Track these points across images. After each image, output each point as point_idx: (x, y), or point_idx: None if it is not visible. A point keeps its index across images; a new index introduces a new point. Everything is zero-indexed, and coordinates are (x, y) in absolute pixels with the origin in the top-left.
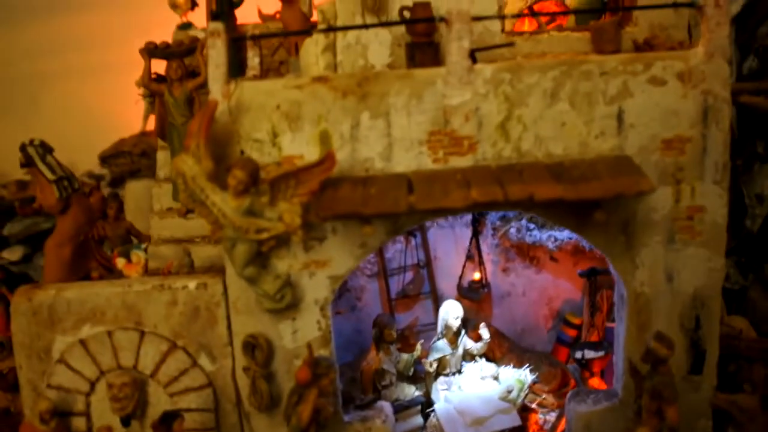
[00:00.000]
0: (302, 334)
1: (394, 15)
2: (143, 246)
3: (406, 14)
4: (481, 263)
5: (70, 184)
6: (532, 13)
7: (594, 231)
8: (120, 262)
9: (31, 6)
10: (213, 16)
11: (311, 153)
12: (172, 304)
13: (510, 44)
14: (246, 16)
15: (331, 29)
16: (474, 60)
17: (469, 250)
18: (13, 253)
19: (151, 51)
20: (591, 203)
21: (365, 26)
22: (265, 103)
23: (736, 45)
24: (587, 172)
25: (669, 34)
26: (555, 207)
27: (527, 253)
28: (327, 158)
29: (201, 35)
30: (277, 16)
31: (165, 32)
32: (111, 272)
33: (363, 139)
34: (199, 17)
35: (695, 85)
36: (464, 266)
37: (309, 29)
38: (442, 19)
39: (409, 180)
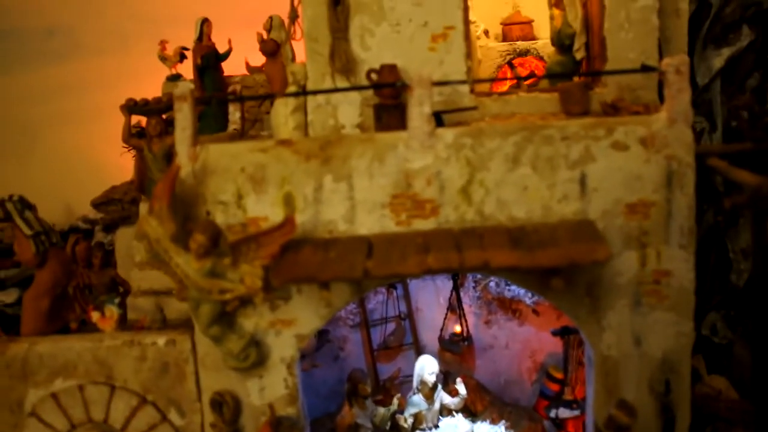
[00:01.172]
0: (269, 391)
1: (362, 76)
2: (116, 300)
3: (374, 77)
4: (462, 316)
5: (48, 239)
6: (497, 78)
7: (557, 294)
8: (95, 316)
9: (27, 53)
10: (199, 69)
11: (276, 215)
12: (142, 359)
13: (472, 108)
14: (233, 67)
15: (295, 94)
16: (440, 121)
17: (450, 302)
18: (9, 296)
19: (131, 108)
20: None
21: (325, 91)
22: (230, 165)
23: (725, 97)
24: (547, 238)
25: (638, 95)
26: (515, 271)
27: (509, 305)
28: (287, 223)
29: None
30: (264, 68)
31: (158, 79)
32: (87, 324)
33: (326, 202)
34: (188, 69)
35: (658, 150)
36: (446, 318)
37: (269, 95)
38: (404, 85)
39: (371, 243)
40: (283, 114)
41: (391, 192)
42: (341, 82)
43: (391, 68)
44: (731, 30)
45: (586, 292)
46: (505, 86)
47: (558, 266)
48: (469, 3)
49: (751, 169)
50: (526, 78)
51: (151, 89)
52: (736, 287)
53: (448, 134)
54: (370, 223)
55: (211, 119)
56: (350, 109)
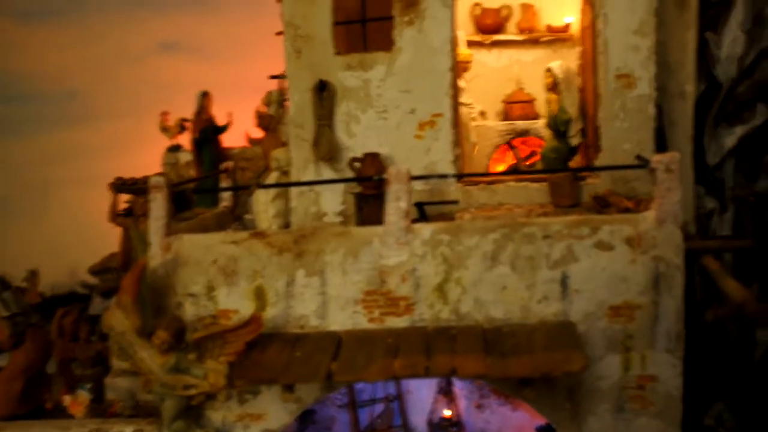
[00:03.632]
0: None
1: (347, 164)
2: (87, 386)
3: (357, 165)
4: (452, 400)
5: (26, 320)
6: (481, 174)
7: (535, 397)
8: (66, 400)
9: (46, 117)
10: (197, 143)
11: (247, 308)
12: None
13: (454, 202)
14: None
15: (266, 186)
16: (423, 212)
17: (440, 385)
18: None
19: (118, 187)
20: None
21: (301, 183)
22: (202, 257)
23: (739, 173)
24: (523, 343)
25: (632, 186)
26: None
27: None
28: (252, 321)
29: (189, 158)
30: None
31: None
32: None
33: (298, 296)
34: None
35: (645, 251)
36: (436, 401)
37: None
38: (381, 180)
39: (340, 341)
40: (263, 201)
41: (364, 288)
42: (325, 170)
43: (374, 157)
44: (745, 108)
45: (567, 395)
46: (503, 166)
47: (529, 377)
48: (469, 81)
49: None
50: (523, 161)
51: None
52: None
53: (425, 230)
54: (342, 319)
55: (207, 194)
56: (333, 197)
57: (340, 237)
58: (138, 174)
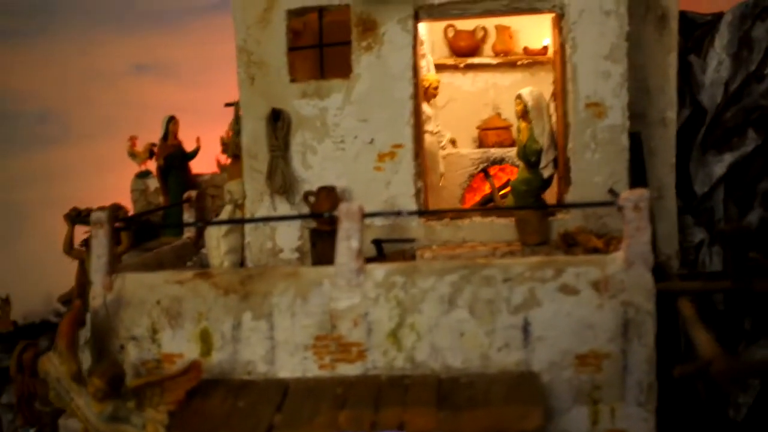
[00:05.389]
0: None
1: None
2: (32, 430)
3: (311, 199)
4: None
5: None
6: (439, 210)
7: None
8: None
9: (18, 138)
10: (162, 170)
11: (192, 352)
12: None
13: (410, 240)
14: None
15: (215, 222)
16: (381, 250)
17: None
18: None
19: (73, 218)
20: None
21: (251, 220)
22: (145, 297)
23: (731, 201)
24: (479, 395)
25: (604, 222)
26: None
27: None
28: (192, 368)
29: (158, 184)
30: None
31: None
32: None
33: (245, 340)
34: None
35: (613, 295)
36: None
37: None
38: (331, 217)
39: (287, 390)
40: (215, 236)
41: (314, 333)
42: (280, 203)
43: (329, 191)
44: (734, 134)
45: None
46: (477, 196)
47: None
48: (443, 107)
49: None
50: (498, 191)
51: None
52: (734, 420)
53: (377, 272)
54: (292, 365)
55: (174, 222)
56: (290, 232)
57: (289, 278)
58: (111, 198)
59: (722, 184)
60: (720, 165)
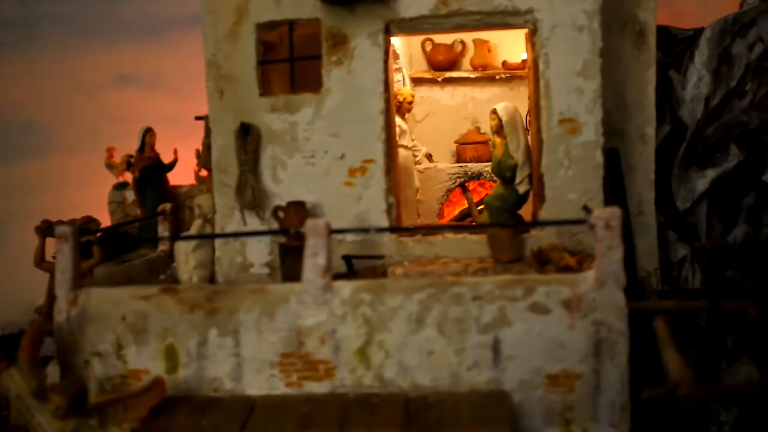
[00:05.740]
0: None
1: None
2: None
3: (280, 214)
4: None
5: None
6: (411, 228)
7: None
8: None
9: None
10: (138, 182)
11: (158, 368)
12: None
13: (380, 257)
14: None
15: (189, 237)
16: (351, 267)
17: None
18: None
19: (44, 230)
20: None
21: (220, 235)
22: (110, 312)
23: (716, 218)
24: (446, 416)
25: (579, 239)
26: None
27: None
28: (155, 385)
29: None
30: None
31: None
32: None
33: (211, 357)
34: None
35: (585, 314)
36: None
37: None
38: (298, 233)
39: (253, 407)
40: (183, 251)
41: (281, 350)
42: (250, 218)
43: (298, 206)
44: (716, 150)
45: None
46: (456, 211)
47: None
48: (421, 120)
49: None
50: (476, 206)
51: None
52: None
53: (344, 289)
54: (259, 383)
55: (151, 234)
56: (260, 247)
57: (255, 294)
58: (90, 210)
59: (705, 199)
60: (702, 181)
